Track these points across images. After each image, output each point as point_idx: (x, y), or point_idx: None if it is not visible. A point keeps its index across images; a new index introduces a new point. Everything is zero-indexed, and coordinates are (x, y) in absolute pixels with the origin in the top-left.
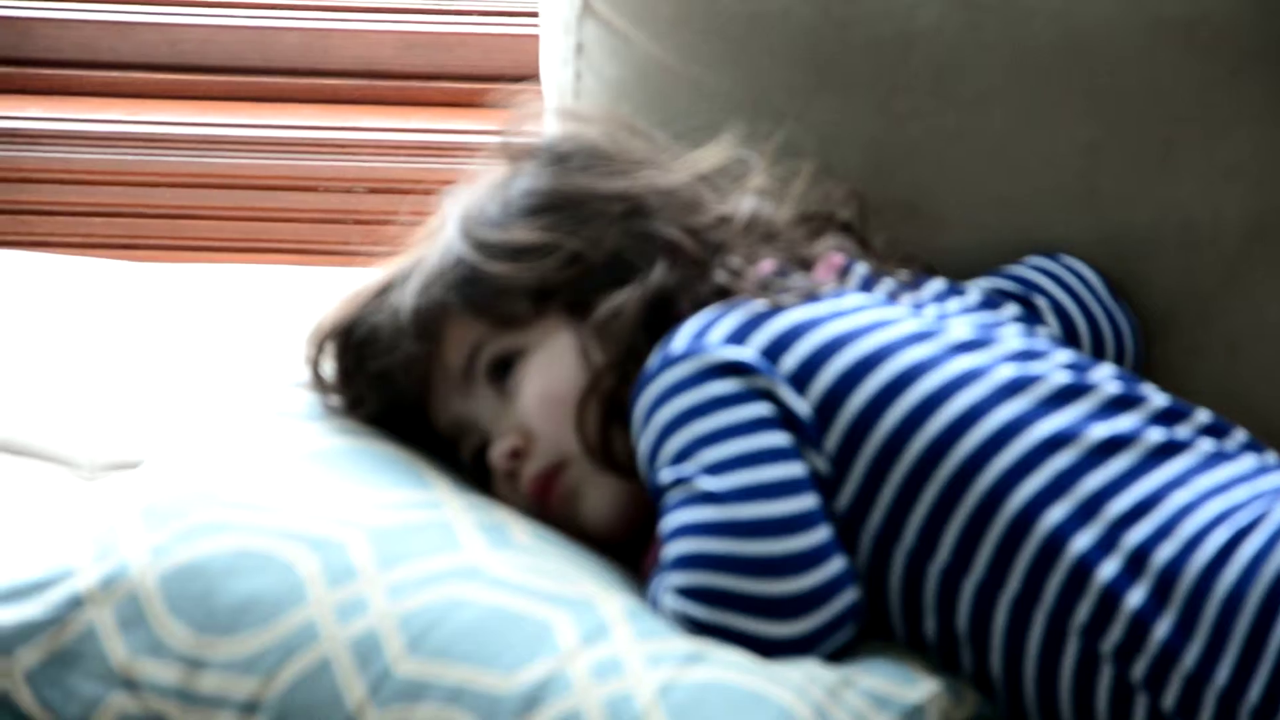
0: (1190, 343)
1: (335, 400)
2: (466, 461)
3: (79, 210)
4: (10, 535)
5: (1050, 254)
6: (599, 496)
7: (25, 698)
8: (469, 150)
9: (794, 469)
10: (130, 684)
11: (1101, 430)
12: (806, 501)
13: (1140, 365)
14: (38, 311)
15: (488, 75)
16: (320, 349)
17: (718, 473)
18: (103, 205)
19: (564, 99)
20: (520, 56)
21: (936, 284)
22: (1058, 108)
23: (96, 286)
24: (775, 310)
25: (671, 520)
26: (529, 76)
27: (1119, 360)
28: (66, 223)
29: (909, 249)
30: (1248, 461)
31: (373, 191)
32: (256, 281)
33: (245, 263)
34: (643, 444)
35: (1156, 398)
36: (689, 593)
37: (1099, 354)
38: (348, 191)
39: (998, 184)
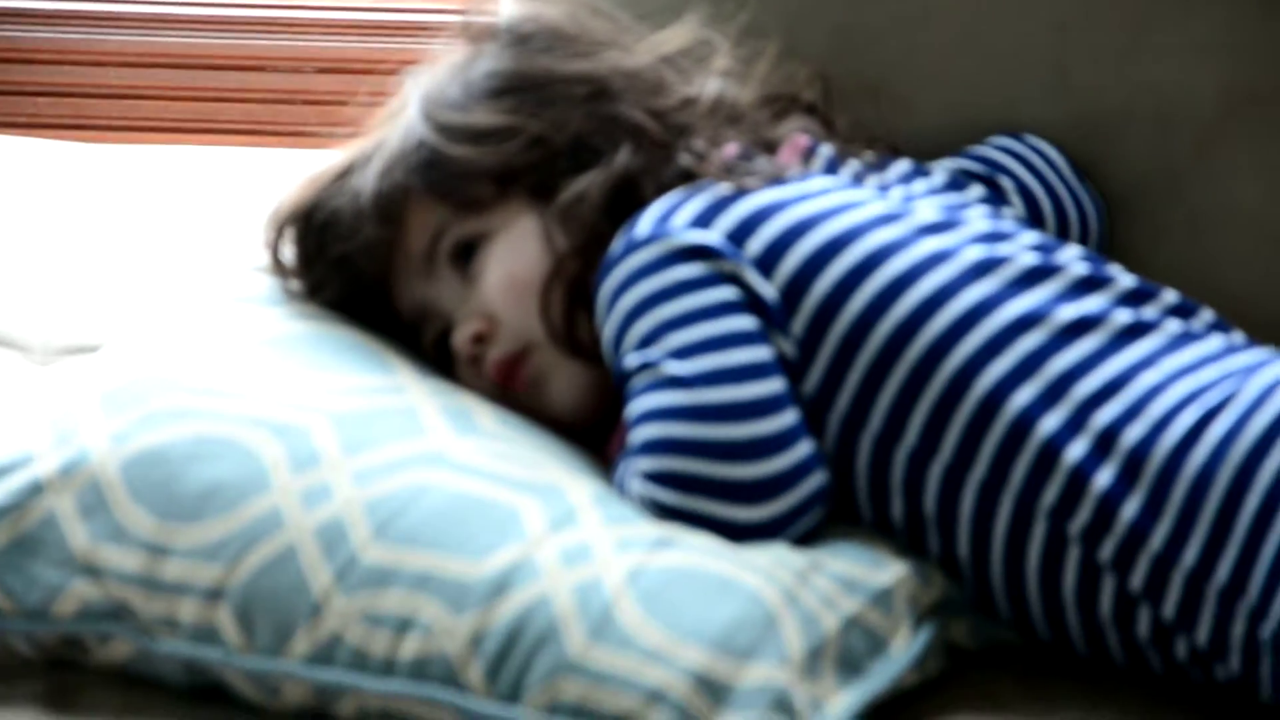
0: (1156, 223)
1: (295, 285)
2: (429, 348)
3: (25, 90)
4: None
5: (1015, 134)
6: (564, 381)
7: None
8: (423, 30)
9: (761, 353)
10: (92, 571)
11: (1069, 311)
12: (774, 385)
13: (1105, 246)
14: None
15: None
16: (280, 233)
17: (684, 357)
18: (50, 85)
19: None
20: None
21: (902, 165)
22: None
23: (46, 168)
24: (740, 193)
25: (638, 405)
26: None
27: (1083, 241)
28: (11, 102)
29: (874, 131)
30: (1215, 341)
31: (323, 71)
32: (209, 163)
33: (196, 144)
34: (607, 329)
35: (1124, 278)
36: (657, 478)
37: (1063, 235)
38: (298, 71)
39: (966, 65)
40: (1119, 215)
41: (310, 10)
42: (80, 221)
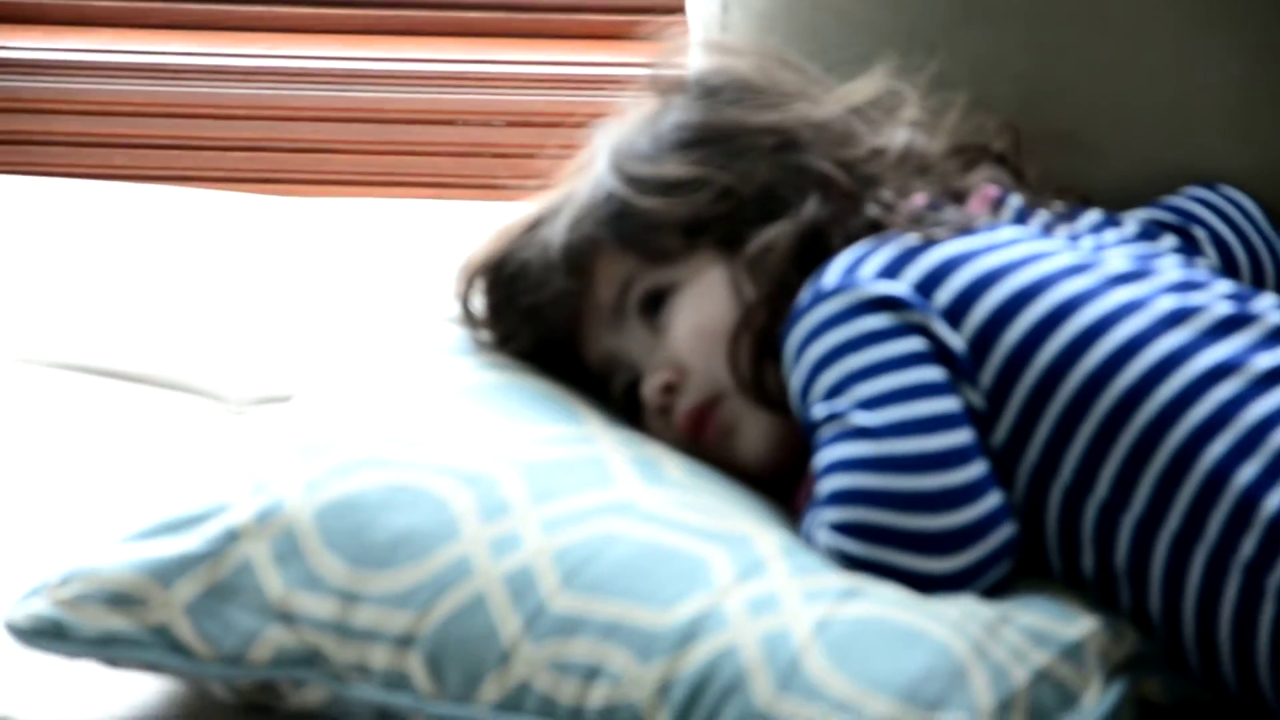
0: None
1: (485, 336)
2: (617, 398)
3: (223, 145)
4: (164, 470)
5: (1208, 184)
6: (753, 431)
7: (184, 629)
8: (609, 83)
9: (949, 404)
10: (287, 617)
11: (1266, 360)
12: (962, 436)
13: None
14: (185, 245)
15: (629, 7)
16: (470, 284)
17: (872, 408)
18: (246, 140)
19: (710, 31)
20: None
21: (1092, 215)
22: (1216, 36)
23: (246, 221)
24: (928, 244)
25: (825, 456)
26: (674, 9)
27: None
28: (211, 158)
29: (1064, 181)
30: None
31: (511, 125)
32: (399, 216)
33: (386, 197)
34: (795, 379)
35: None
36: (844, 528)
37: (1259, 285)
38: (486, 125)
39: (1155, 115)
40: None
41: (499, 65)
42: (274, 273)
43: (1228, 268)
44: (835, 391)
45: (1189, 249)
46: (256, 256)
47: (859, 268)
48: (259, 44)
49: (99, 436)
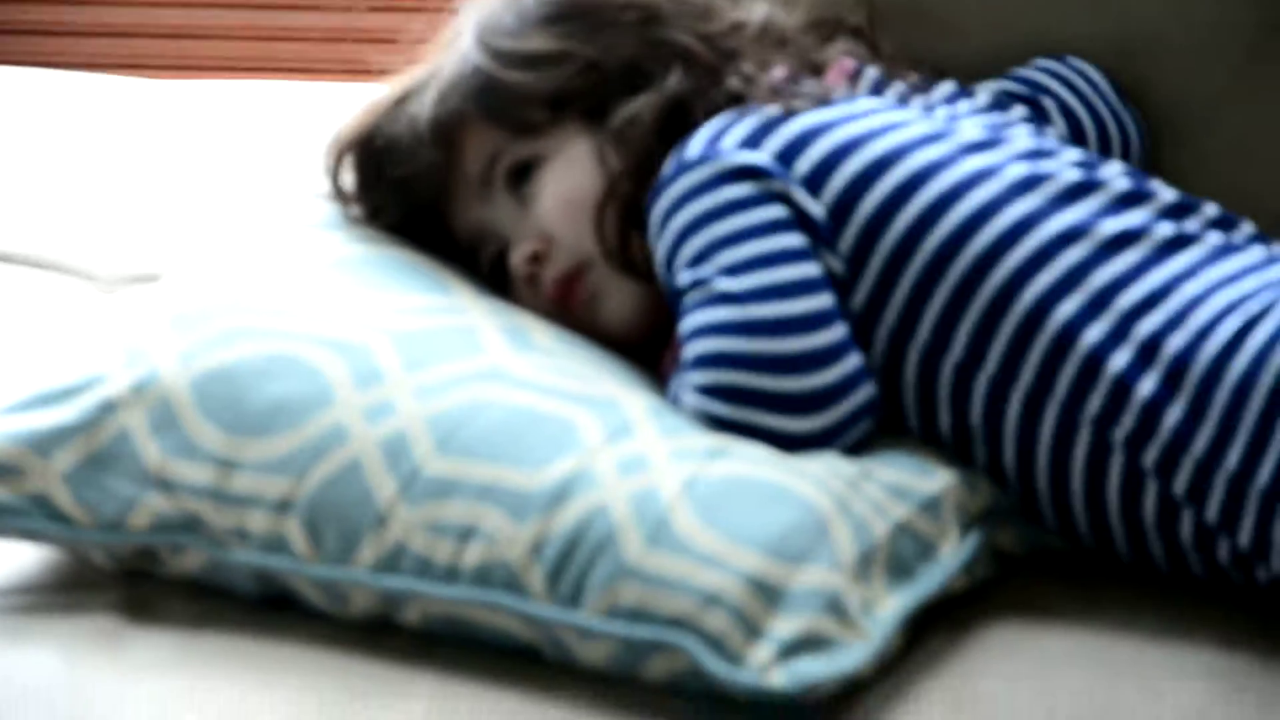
0: (1198, 146)
1: (355, 210)
2: (486, 269)
3: (87, 31)
4: (37, 345)
5: (1057, 56)
6: (618, 299)
7: (64, 498)
8: None
9: (809, 269)
10: (165, 484)
11: (1112, 225)
12: (822, 300)
13: (1147, 167)
14: (53, 129)
15: None
16: (339, 159)
17: (735, 274)
18: (109, 25)
19: None
20: None
21: (946, 87)
22: None
23: (110, 104)
24: (788, 115)
25: (690, 321)
26: None
27: (1125, 161)
28: (71, 43)
29: (918, 53)
30: (1256, 253)
31: (374, 10)
32: (266, 97)
33: (262, 79)
34: (660, 248)
35: (1165, 193)
36: (710, 390)
37: (1106, 154)
38: (348, 10)
39: None
40: (1161, 138)
41: None
42: (143, 155)
43: (1075, 137)
44: (699, 259)
45: (1039, 119)
46: (126, 138)
47: (721, 139)
48: None
49: None
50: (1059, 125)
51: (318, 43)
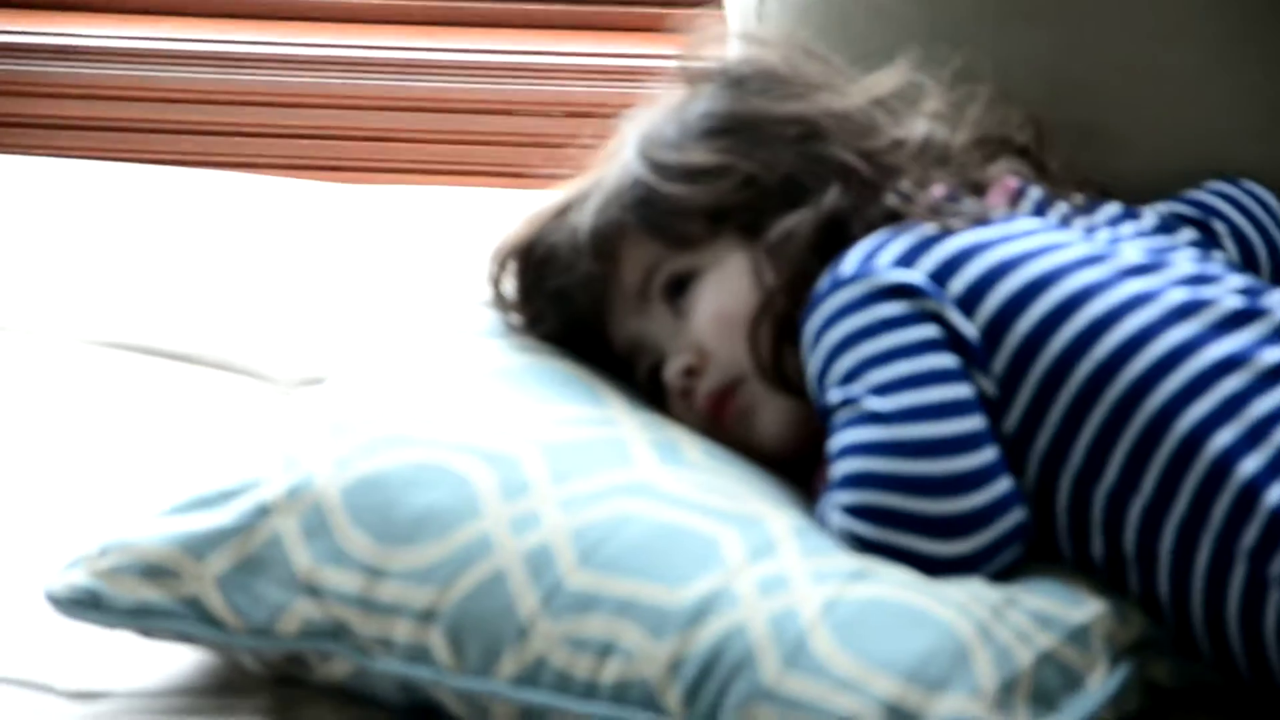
0: None
1: (515, 318)
2: (642, 381)
3: (289, 133)
4: (208, 447)
5: (1230, 178)
6: (771, 415)
7: (215, 601)
8: (651, 74)
9: (961, 390)
10: (313, 590)
11: (1273, 355)
12: (973, 422)
13: None
14: (246, 231)
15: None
16: (502, 267)
17: (885, 393)
18: (309, 128)
19: (747, 22)
20: None
21: (1111, 208)
22: (1249, 44)
23: (302, 207)
24: (945, 234)
25: (839, 440)
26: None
27: None
28: (276, 144)
29: (1087, 172)
30: None
31: (570, 116)
32: (454, 203)
33: (445, 184)
34: (812, 364)
35: None
36: (856, 511)
37: (1278, 280)
38: (545, 115)
39: (1181, 112)
40: None
41: (559, 56)
42: (329, 259)
43: (1247, 261)
44: (850, 377)
45: (1208, 242)
46: (313, 242)
47: (876, 256)
48: (325, 34)
49: (150, 415)
50: (1230, 249)
51: (512, 148)
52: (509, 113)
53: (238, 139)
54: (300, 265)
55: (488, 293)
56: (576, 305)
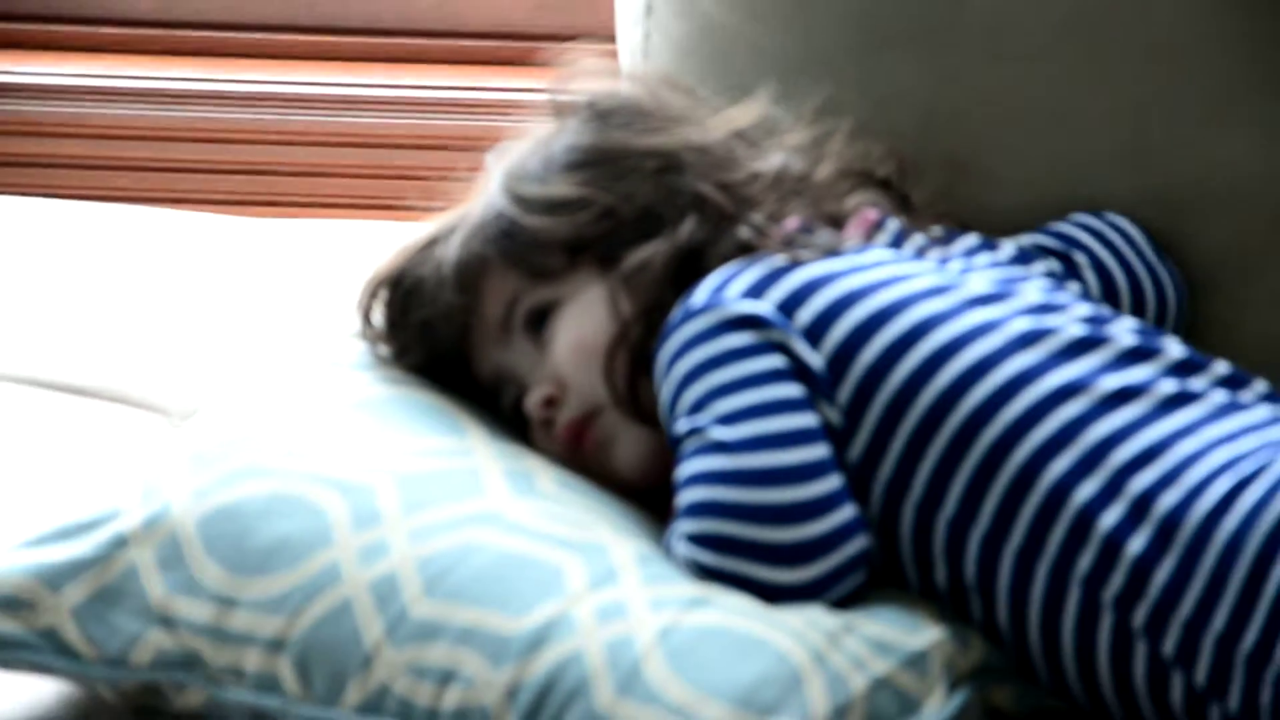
0: (1238, 299)
1: (384, 349)
2: (507, 412)
3: (221, 169)
4: (84, 479)
5: (1095, 211)
6: (629, 445)
7: (72, 632)
8: (523, 107)
9: (805, 419)
10: (166, 621)
11: (1112, 381)
12: (817, 451)
13: (1183, 322)
14: (161, 265)
15: (568, 34)
16: (372, 298)
17: (730, 423)
18: (242, 164)
19: (634, 58)
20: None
21: (969, 239)
22: (1111, 65)
23: (217, 241)
24: (794, 265)
25: (685, 469)
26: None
27: (1161, 317)
28: (209, 180)
29: (949, 205)
30: (1261, 412)
31: (446, 149)
32: (351, 236)
33: (378, 219)
34: (663, 394)
35: (1174, 349)
36: (699, 539)
37: (1139, 310)
38: (443, 149)
39: (1049, 142)
40: (1201, 291)
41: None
42: (214, 290)
43: (1108, 293)
44: (698, 407)
45: (1067, 273)
46: (219, 275)
47: (726, 287)
48: (257, 70)
49: (38, 448)
50: (1090, 280)
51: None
52: (443, 148)
53: (173, 175)
54: (204, 299)
55: (358, 324)
56: (441, 337)
